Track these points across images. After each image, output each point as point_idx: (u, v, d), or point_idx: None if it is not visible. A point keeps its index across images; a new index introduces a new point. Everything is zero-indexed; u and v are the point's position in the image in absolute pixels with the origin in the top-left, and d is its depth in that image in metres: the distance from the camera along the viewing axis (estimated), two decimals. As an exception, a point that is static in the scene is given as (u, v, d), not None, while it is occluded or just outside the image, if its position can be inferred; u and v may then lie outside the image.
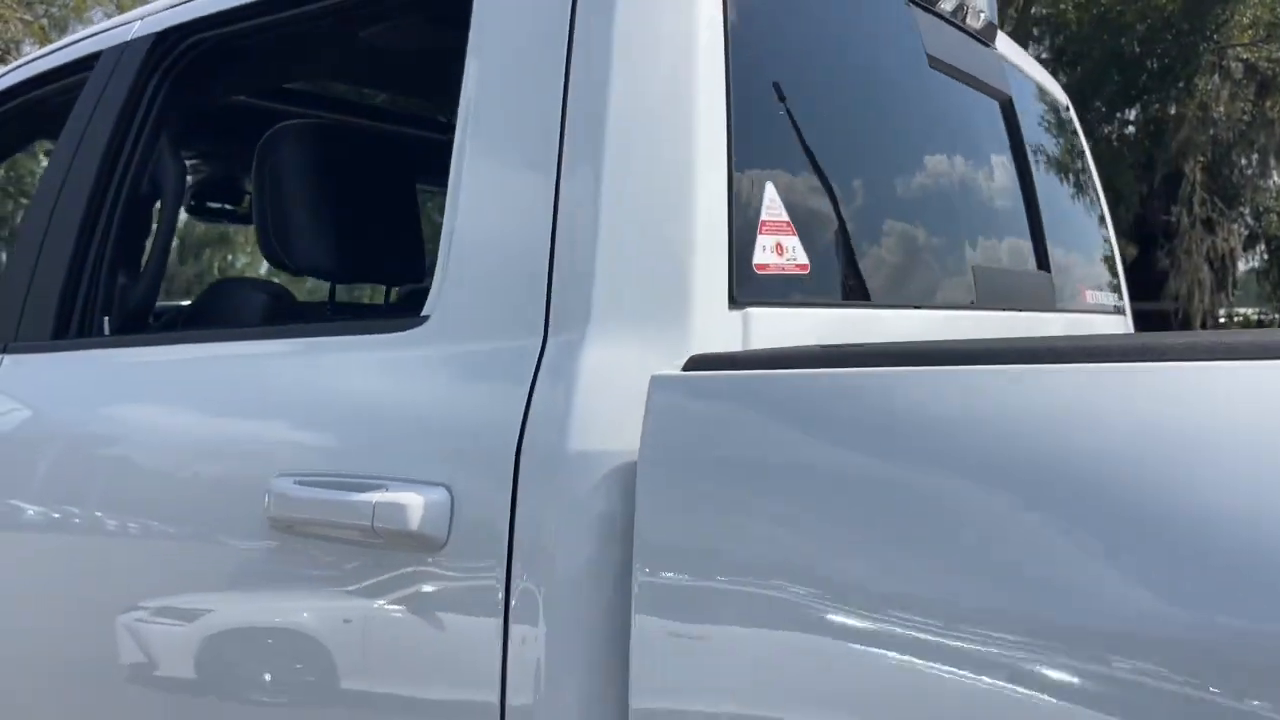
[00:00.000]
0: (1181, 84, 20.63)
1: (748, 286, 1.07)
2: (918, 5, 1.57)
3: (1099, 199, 2.27)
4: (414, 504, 0.99)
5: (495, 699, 0.95)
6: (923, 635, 0.77)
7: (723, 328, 1.04)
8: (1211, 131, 22.31)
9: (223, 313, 1.76)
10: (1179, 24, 20.19)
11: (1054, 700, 0.72)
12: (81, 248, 1.56)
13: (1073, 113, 2.27)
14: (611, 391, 0.97)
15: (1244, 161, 23.41)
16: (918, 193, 1.44)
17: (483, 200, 1.12)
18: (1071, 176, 2.17)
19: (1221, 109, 20.88)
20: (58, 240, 1.57)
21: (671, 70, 1.08)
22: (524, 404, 0.99)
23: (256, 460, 1.15)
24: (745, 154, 1.11)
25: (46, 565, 1.40)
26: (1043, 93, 2.10)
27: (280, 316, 1.64)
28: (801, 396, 0.89)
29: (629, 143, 1.05)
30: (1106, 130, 24.37)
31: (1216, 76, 21.30)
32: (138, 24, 1.66)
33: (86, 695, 1.33)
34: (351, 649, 1.07)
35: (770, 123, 1.19)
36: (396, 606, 1.04)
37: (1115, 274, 2.26)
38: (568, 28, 1.11)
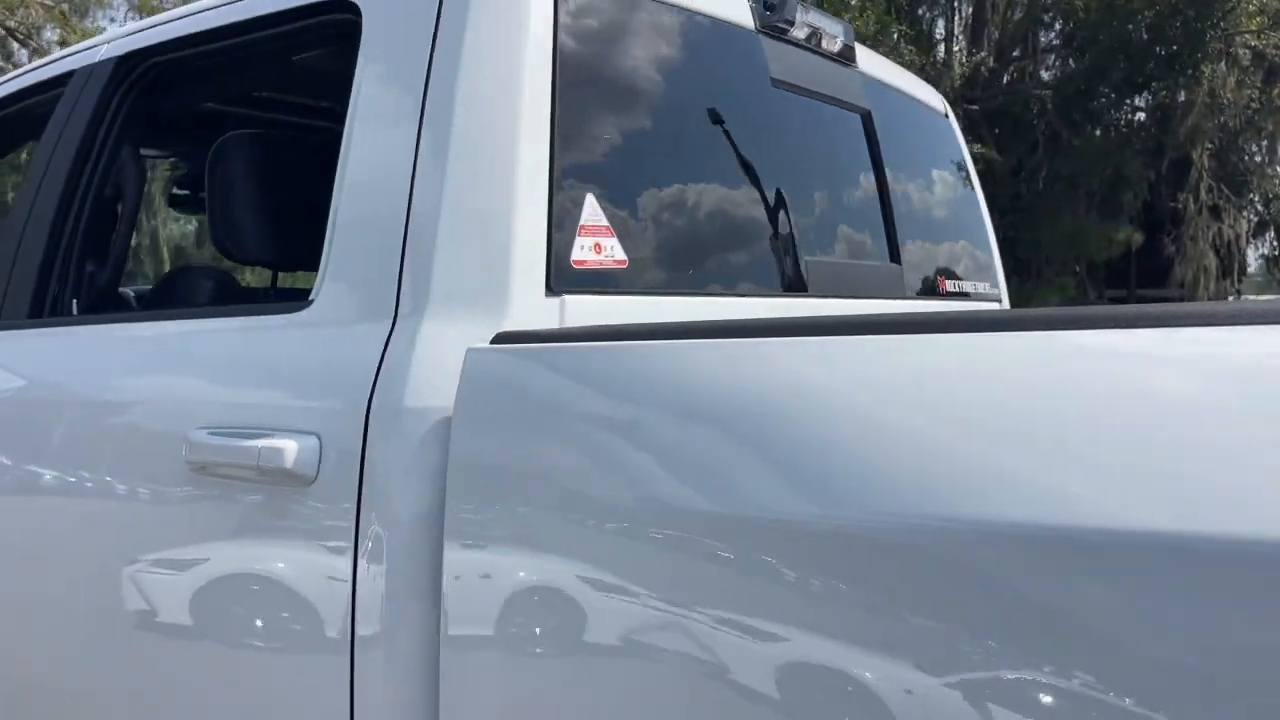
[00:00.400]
0: (1189, 71, 20.61)
1: (565, 279, 1.34)
2: (767, 34, 1.83)
3: (976, 196, 2.52)
4: (289, 449, 1.27)
5: (348, 622, 1.23)
6: (666, 533, 1.04)
7: (540, 312, 1.31)
8: (1220, 118, 22.26)
9: (177, 296, 2.05)
10: (1186, 11, 20.14)
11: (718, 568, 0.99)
12: (54, 241, 1.84)
13: (952, 119, 2.52)
14: (440, 362, 1.24)
15: (1252, 148, 23.33)
16: (746, 197, 1.70)
17: (356, 210, 1.39)
18: (943, 177, 2.42)
19: (1229, 96, 20.84)
20: (34, 234, 1.86)
21: (503, 95, 1.34)
22: (374, 372, 1.26)
23: (179, 417, 1.43)
24: (568, 167, 1.37)
25: (19, 505, 1.69)
26: (915, 102, 2.35)
27: (224, 299, 1.92)
28: (574, 364, 1.16)
29: (466, 160, 1.32)
30: (1114, 116, 24.32)
31: (1224, 64, 21.25)
32: (104, 47, 1.94)
33: (54, 609, 1.62)
34: (244, 571, 1.35)
35: (597, 138, 1.45)
36: (279, 536, 1.32)
37: (990, 265, 2.51)
38: (427, 62, 1.38)
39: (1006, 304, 2.58)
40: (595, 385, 1.13)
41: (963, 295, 2.32)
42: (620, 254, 1.43)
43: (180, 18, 1.82)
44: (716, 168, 1.67)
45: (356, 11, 1.50)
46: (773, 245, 1.73)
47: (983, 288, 2.43)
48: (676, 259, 1.54)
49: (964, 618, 0.85)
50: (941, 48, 26.08)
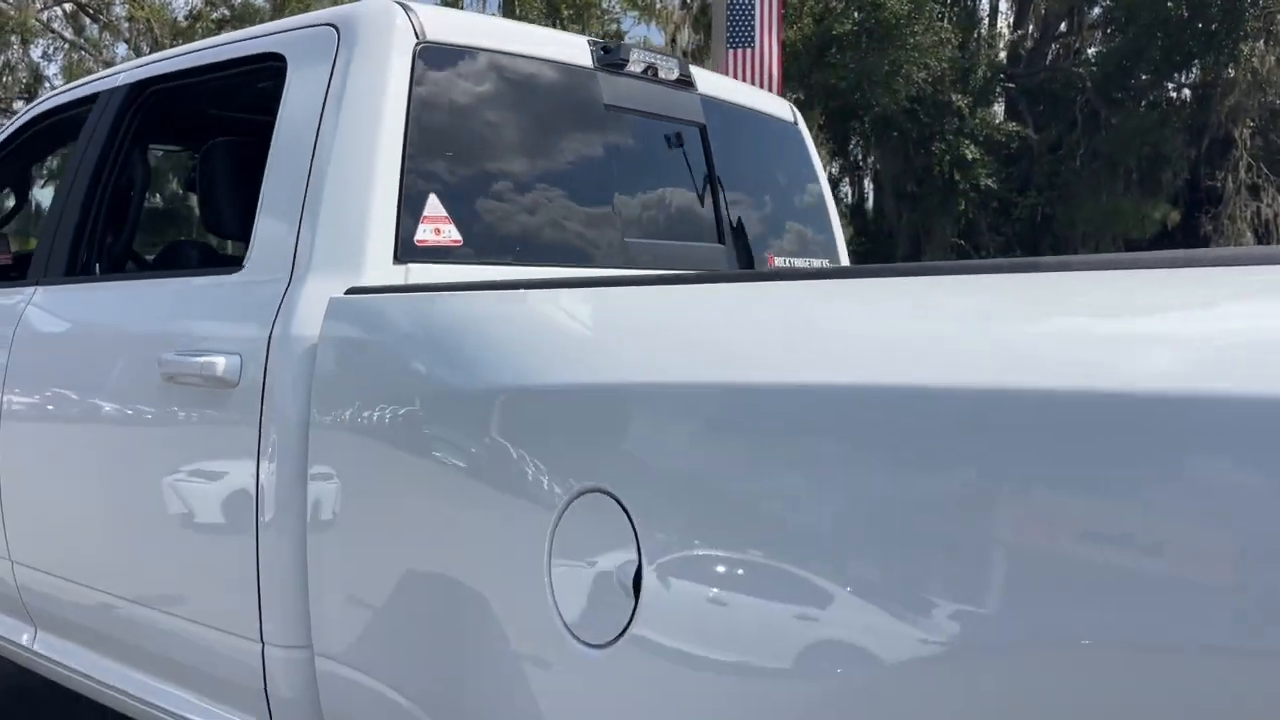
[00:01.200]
0: (1228, 49, 20.56)
1: (409, 253, 1.98)
2: (605, 70, 2.43)
3: (820, 187, 3.10)
4: (221, 363, 1.93)
5: (255, 491, 1.88)
6: (447, 407, 1.67)
7: (389, 275, 1.95)
8: (1263, 97, 22.14)
9: (171, 261, 2.73)
10: (1224, -11, 20.06)
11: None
12: (83, 219, 2.52)
13: (801, 125, 3.10)
14: (315, 306, 1.88)
15: (1294, 128, 23.12)
16: (572, 193, 2.32)
17: (272, 201, 2.04)
18: (788, 172, 3.01)
19: (1266, 73, 20.74)
20: (69, 215, 2.54)
21: (369, 126, 1.97)
22: (275, 312, 1.91)
23: (158, 344, 2.10)
24: (416, 177, 2.00)
25: (64, 403, 2.38)
26: (760, 114, 2.94)
27: (206, 264, 2.60)
28: (388, 306, 1.80)
29: (341, 170, 1.96)
30: (1154, 94, 24.22)
31: (1263, 41, 21.14)
32: (120, 75, 2.61)
33: (73, 488, 2.31)
34: (198, 447, 2.01)
35: (444, 156, 2.08)
36: (218, 424, 1.98)
37: (831, 244, 3.10)
38: (322, 100, 2.02)
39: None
40: (401, 320, 1.77)
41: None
42: (456, 236, 2.06)
43: (175, 56, 2.48)
44: (547, 173, 2.29)
45: (283, 60, 2.15)
46: (594, 230, 2.35)
47: (818, 263, 3.02)
48: (507, 241, 2.17)
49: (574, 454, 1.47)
50: (985, 23, 26.13)
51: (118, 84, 2.60)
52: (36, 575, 2.47)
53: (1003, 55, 25.92)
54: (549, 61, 2.33)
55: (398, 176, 1.98)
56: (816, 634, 1.07)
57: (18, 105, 34.42)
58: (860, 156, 29.46)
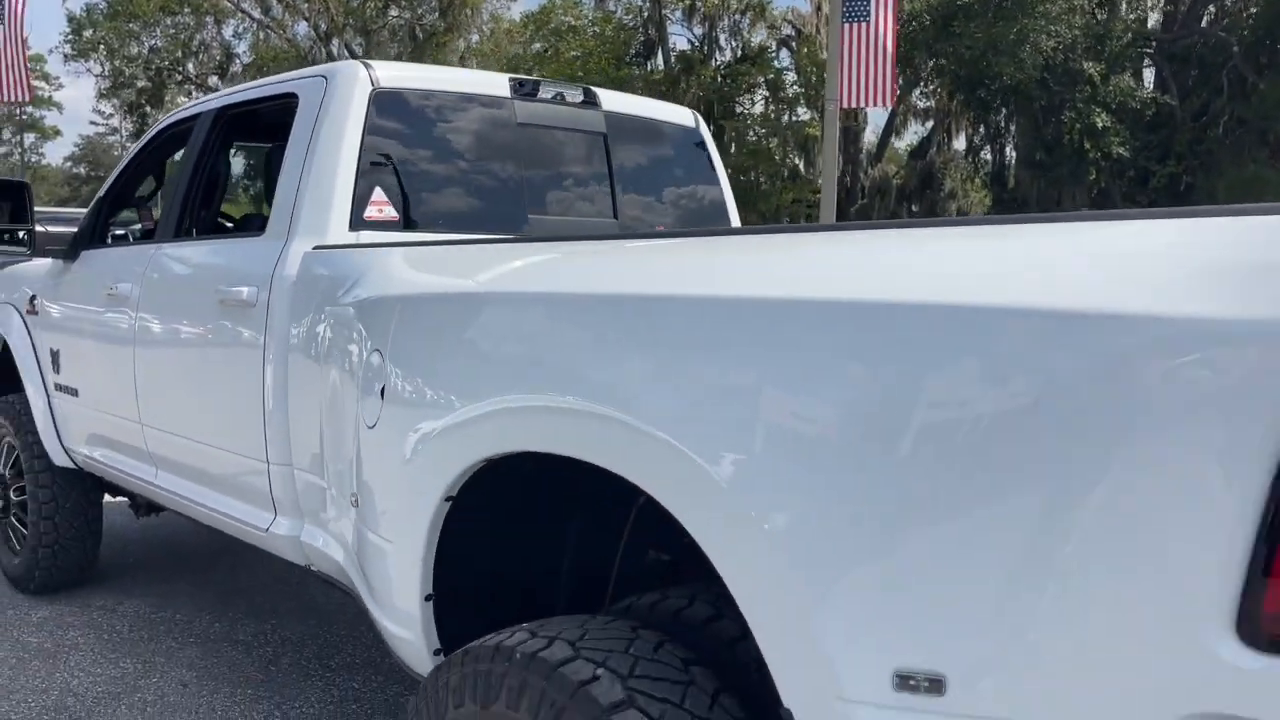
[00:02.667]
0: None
1: (360, 224, 3.14)
2: (519, 98, 3.53)
3: (716, 174, 4.11)
4: (245, 291, 3.15)
5: (261, 369, 3.09)
6: (367, 311, 2.84)
7: (347, 239, 3.12)
8: None
9: (238, 227, 4.02)
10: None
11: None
12: (187, 198, 3.81)
13: (701, 127, 4.11)
14: (297, 256, 3.06)
15: None
16: (484, 187, 3.43)
17: (280, 192, 3.24)
18: (686, 165, 4.03)
19: None
20: (177, 195, 3.83)
21: (337, 142, 3.14)
22: (276, 260, 3.11)
23: (217, 280, 3.33)
24: (368, 173, 3.16)
25: (166, 320, 3.67)
26: (658, 121, 3.97)
27: (243, 229, 3.86)
28: (344, 258, 2.96)
29: (319, 171, 3.14)
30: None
31: None
32: (211, 103, 3.88)
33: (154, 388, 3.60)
34: (236, 344, 3.24)
35: (389, 162, 3.23)
36: (247, 326, 3.20)
37: (720, 219, 4.10)
38: (313, 124, 3.20)
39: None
40: (341, 262, 2.94)
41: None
42: (394, 213, 3.21)
43: (240, 91, 3.73)
44: (467, 171, 3.42)
45: (296, 97, 3.34)
46: (501, 209, 3.47)
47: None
48: (430, 216, 3.31)
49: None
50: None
51: (209, 109, 3.87)
52: (156, 433, 3.79)
53: (1154, 20, 25.32)
54: (475, 94, 3.46)
55: (353, 175, 3.15)
56: (459, 417, 2.18)
57: (212, 80, 37.80)
58: (1002, 125, 29.23)
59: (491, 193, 3.46)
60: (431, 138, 3.35)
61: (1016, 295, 1.40)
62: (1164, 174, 22.77)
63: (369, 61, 3.27)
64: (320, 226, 3.11)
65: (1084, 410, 1.32)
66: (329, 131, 3.16)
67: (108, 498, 4.86)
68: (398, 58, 36.34)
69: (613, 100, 3.85)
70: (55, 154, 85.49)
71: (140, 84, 35.75)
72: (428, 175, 3.33)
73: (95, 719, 3.68)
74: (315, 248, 3.03)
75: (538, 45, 32.72)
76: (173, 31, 35.40)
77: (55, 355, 4.50)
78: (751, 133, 28.32)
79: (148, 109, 37.06)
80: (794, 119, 28.73)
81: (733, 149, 28.97)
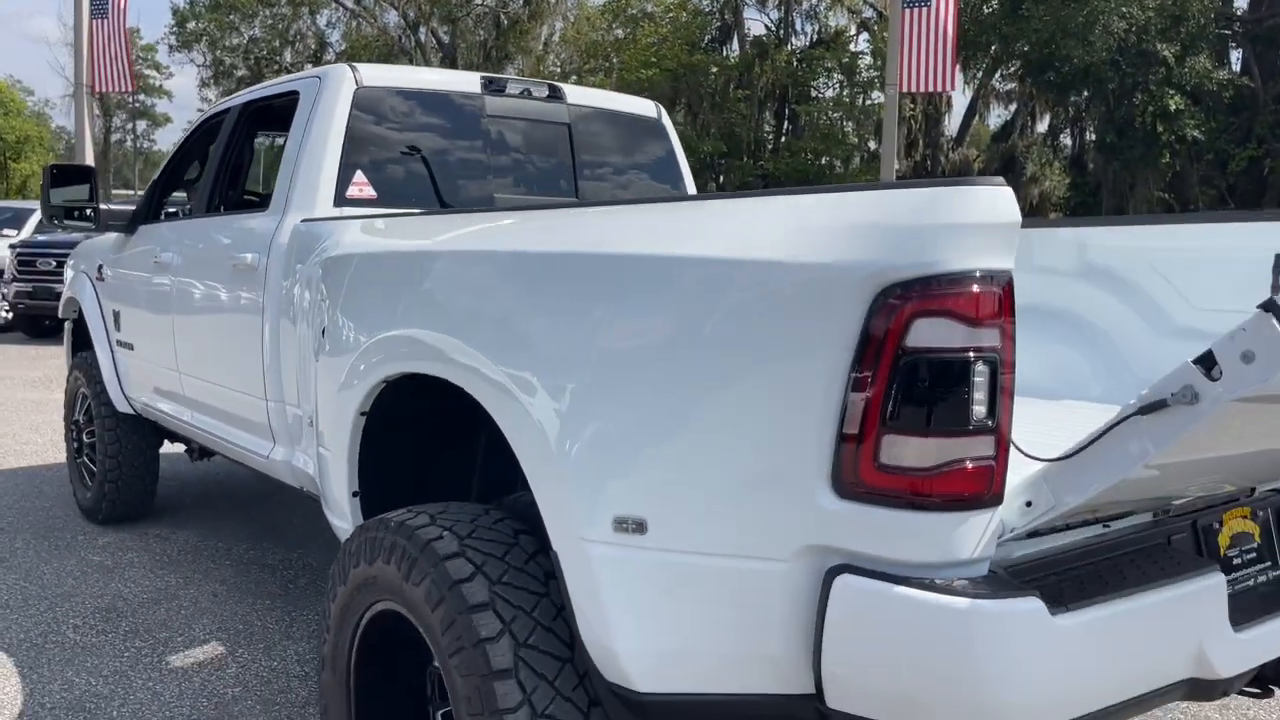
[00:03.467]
0: None
1: (343, 201, 3.75)
2: (489, 93, 4.11)
3: (676, 159, 4.63)
4: (249, 257, 3.79)
5: (262, 318, 3.73)
6: (337, 268, 3.47)
7: (332, 213, 3.73)
8: None
9: (254, 204, 4.69)
10: None
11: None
12: (218, 180, 4.48)
13: (664, 117, 4.63)
14: (289, 228, 3.69)
15: None
16: (457, 169, 4.02)
17: (281, 174, 3.87)
18: (646, 152, 4.56)
19: None
20: (209, 177, 4.51)
21: (325, 132, 3.76)
22: (274, 230, 3.74)
23: (232, 249, 3.99)
24: (349, 159, 3.77)
25: (193, 284, 4.35)
26: (620, 113, 4.50)
27: (256, 206, 4.51)
28: (321, 228, 3.58)
29: (310, 155, 3.75)
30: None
31: None
32: (238, 99, 4.54)
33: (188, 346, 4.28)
34: (242, 299, 3.89)
35: (369, 150, 3.84)
36: (250, 287, 3.84)
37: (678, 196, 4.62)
38: (309, 116, 3.82)
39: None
40: (320, 234, 3.55)
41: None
42: (372, 192, 3.82)
43: (259, 89, 4.38)
44: (439, 155, 4.01)
45: (297, 95, 3.97)
46: (470, 188, 4.05)
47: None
48: (404, 194, 3.91)
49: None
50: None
51: (237, 104, 4.54)
52: (190, 379, 4.48)
53: (1240, 1, 24.74)
54: (449, 91, 4.05)
55: (338, 159, 3.76)
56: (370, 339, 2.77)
57: (306, 67, 39.24)
58: (1083, 107, 28.84)
59: (462, 175, 4.04)
60: (409, 128, 3.95)
61: (704, 249, 1.94)
62: (1243, 157, 22.33)
63: (357, 65, 3.88)
64: (309, 202, 3.72)
65: (737, 325, 1.86)
66: (319, 122, 3.78)
67: (167, 446, 5.61)
68: (482, 45, 37.32)
69: (578, 94, 4.40)
70: (166, 140, 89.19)
71: (240, 73, 37.38)
72: (405, 160, 3.93)
73: (139, 616, 4.40)
74: (303, 220, 3.65)
75: (619, 31, 33.28)
76: (270, 22, 36.91)
77: (116, 315, 5.25)
78: (824, 117, 28.46)
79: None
80: (868, 102, 28.78)
81: (806, 133, 29.17)
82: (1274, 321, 1.60)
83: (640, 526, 1.96)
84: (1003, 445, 1.73)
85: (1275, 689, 2.54)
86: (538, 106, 4.25)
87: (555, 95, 4.30)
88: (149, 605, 4.54)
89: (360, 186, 3.80)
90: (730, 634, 1.90)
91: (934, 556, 1.72)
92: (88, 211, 5.00)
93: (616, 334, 2.01)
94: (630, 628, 1.97)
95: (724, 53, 30.63)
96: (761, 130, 29.37)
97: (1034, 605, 1.69)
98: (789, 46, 30.24)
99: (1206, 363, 1.67)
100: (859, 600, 1.75)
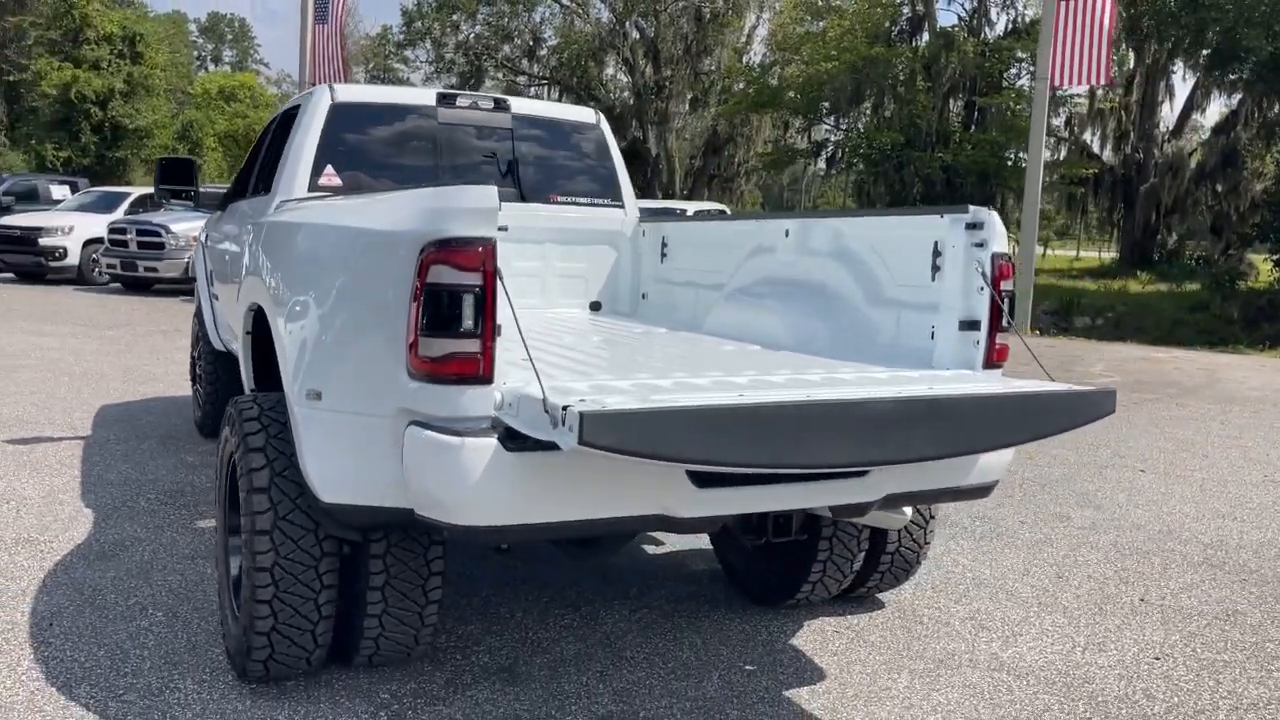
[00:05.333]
0: None
1: (315, 188, 5.05)
2: (442, 105, 5.31)
3: (612, 159, 5.68)
4: (257, 226, 5.17)
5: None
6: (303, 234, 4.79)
7: (306, 196, 5.04)
8: None
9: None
10: None
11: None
12: (261, 171, 5.91)
13: (602, 122, 5.68)
14: (279, 205, 5.02)
15: None
16: (409, 166, 5.24)
17: (280, 168, 5.21)
18: (579, 153, 5.62)
19: None
20: (259, 166, 5.94)
21: (305, 135, 5.07)
22: (270, 207, 5.08)
23: (250, 219, 5.38)
24: (324, 157, 5.06)
25: (228, 260, 5.81)
26: (561, 120, 5.60)
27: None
28: (290, 206, 4.89)
29: (294, 155, 5.07)
30: None
31: None
32: (281, 109, 5.94)
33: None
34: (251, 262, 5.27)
35: (338, 149, 5.11)
36: (254, 249, 5.21)
37: (617, 192, 5.65)
38: (298, 125, 5.15)
39: (629, 217, 5.71)
40: (296, 209, 4.86)
41: (573, 204, 5.58)
42: (338, 181, 5.10)
43: (290, 102, 5.75)
44: (396, 154, 5.24)
45: (297, 109, 5.30)
46: (419, 180, 5.25)
47: (600, 201, 5.62)
48: (363, 182, 5.16)
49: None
50: None
51: (279, 113, 5.94)
52: (235, 320, 5.93)
53: None
54: (410, 104, 5.28)
55: (313, 156, 5.05)
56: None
57: (523, 63, 41.85)
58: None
59: (416, 171, 5.26)
60: (374, 133, 5.21)
61: (353, 222, 3.09)
62: None
63: (336, 85, 5.16)
64: (290, 188, 5.03)
65: (361, 268, 3.00)
66: (302, 129, 5.09)
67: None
68: (683, 39, 38.65)
69: (521, 105, 5.53)
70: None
71: (460, 69, 40.33)
72: (369, 157, 5.18)
73: (192, 496, 5.91)
74: (283, 200, 4.97)
75: (821, 24, 33.75)
76: (489, 19, 39.61)
77: (210, 274, 6.82)
78: (1009, 109, 28.06)
79: (470, 87, 41.72)
80: (1060, 93, 28.11)
81: (992, 126, 28.81)
82: None
83: (318, 395, 3.12)
84: (487, 345, 2.77)
85: (784, 538, 3.47)
86: (484, 115, 5.41)
87: (500, 106, 5.44)
88: (206, 491, 6.04)
89: (329, 177, 5.09)
90: (366, 464, 3.03)
91: (451, 413, 2.79)
92: (188, 194, 6.57)
93: (308, 272, 3.21)
94: (316, 460, 3.13)
95: (913, 44, 30.62)
96: (946, 122, 29.24)
97: (490, 443, 2.73)
98: (980, 36, 29.91)
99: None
100: (414, 441, 2.85)
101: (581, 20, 41.04)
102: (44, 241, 19.78)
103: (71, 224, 20.23)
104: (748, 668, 3.92)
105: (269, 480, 3.30)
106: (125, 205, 21.38)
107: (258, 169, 5.95)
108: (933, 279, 3.68)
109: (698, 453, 2.51)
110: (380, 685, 3.60)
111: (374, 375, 2.96)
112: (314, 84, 22.52)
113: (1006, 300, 3.55)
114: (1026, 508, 6.53)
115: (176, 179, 6.60)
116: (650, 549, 5.39)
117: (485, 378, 2.79)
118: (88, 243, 19.91)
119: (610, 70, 41.68)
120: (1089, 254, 50.00)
